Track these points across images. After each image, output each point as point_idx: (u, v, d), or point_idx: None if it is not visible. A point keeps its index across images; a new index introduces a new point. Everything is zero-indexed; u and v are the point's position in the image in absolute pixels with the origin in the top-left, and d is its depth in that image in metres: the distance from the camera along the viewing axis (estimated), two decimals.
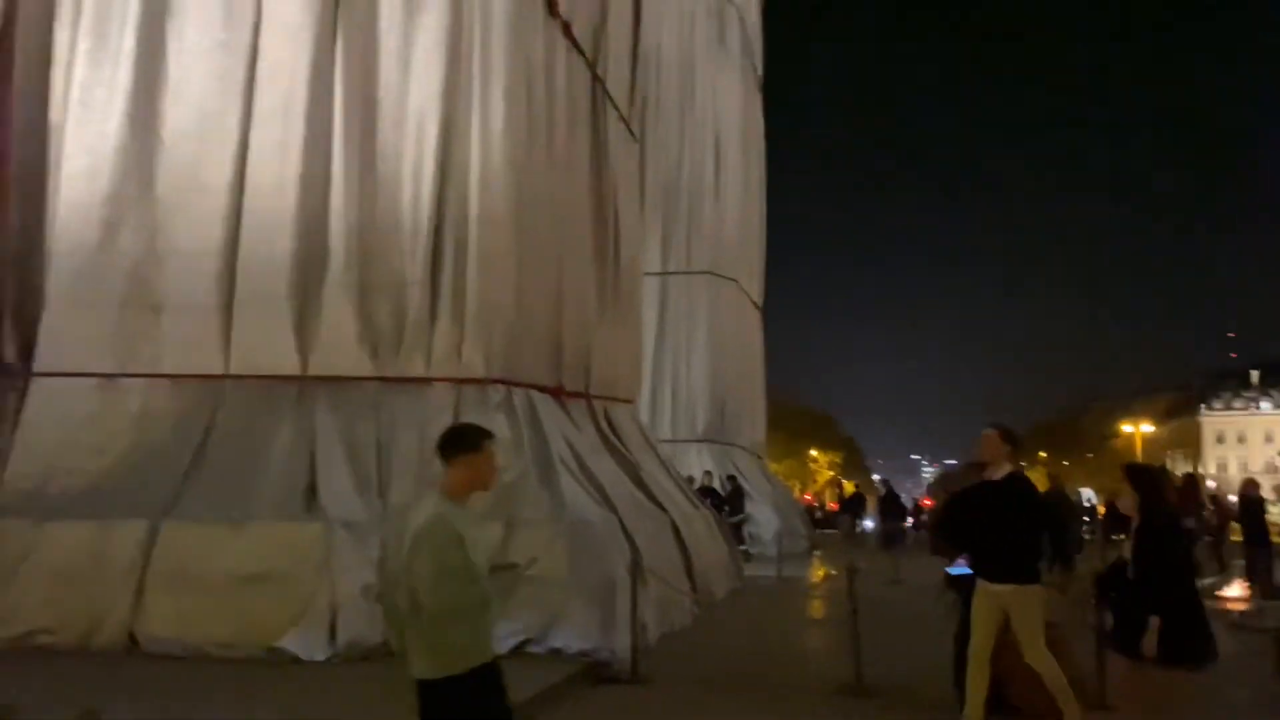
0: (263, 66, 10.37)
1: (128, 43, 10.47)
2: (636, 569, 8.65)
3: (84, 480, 9.29)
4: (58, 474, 9.33)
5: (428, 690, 3.57)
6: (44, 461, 9.42)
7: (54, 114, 10.48)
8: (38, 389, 9.82)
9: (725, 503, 19.07)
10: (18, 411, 9.79)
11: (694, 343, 24.47)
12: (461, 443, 3.81)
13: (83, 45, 10.52)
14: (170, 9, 10.48)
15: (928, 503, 44.73)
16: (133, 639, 8.37)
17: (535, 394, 10.82)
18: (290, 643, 8.09)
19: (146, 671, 7.76)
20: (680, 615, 10.81)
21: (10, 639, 8.56)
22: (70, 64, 10.54)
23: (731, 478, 21.16)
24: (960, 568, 6.85)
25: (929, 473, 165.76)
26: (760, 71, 30.11)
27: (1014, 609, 6.21)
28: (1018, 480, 6.45)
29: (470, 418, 9.84)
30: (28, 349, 9.99)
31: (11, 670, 7.53)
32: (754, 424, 27.05)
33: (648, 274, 20.32)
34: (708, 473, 20.80)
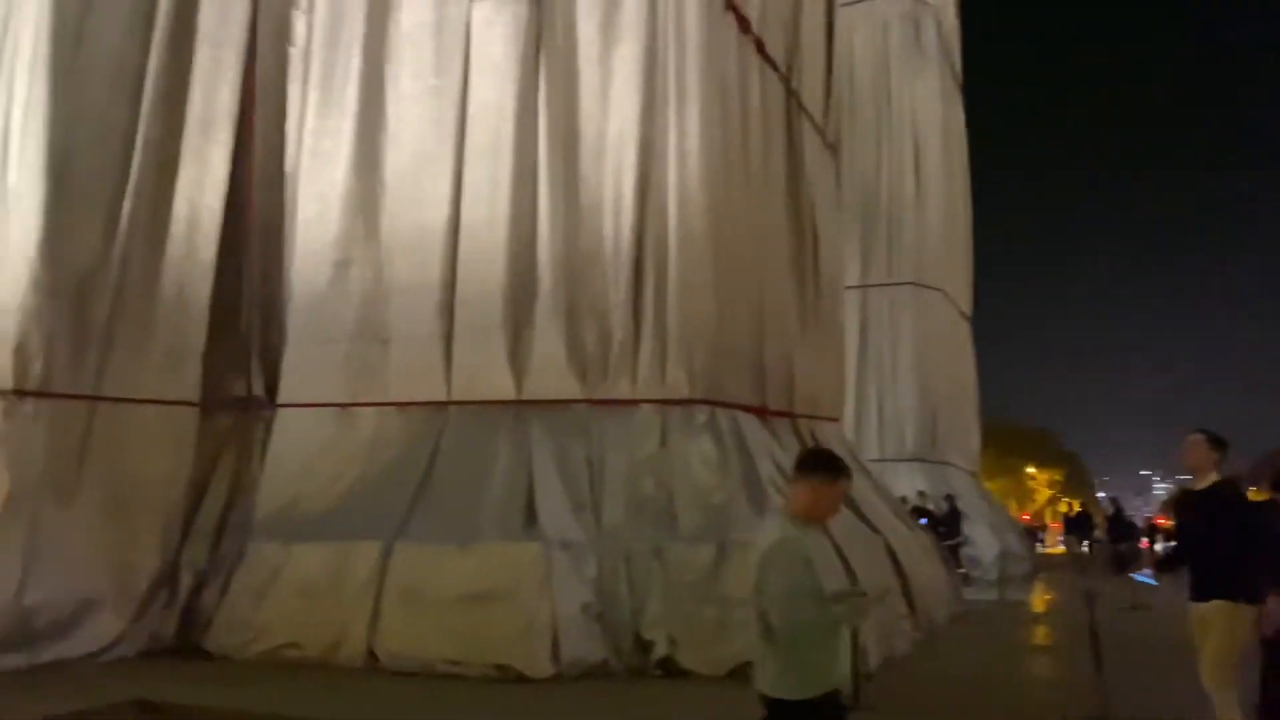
0: (473, 107, 10.88)
1: (350, 94, 11.26)
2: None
3: (324, 503, 9.97)
4: (301, 498, 10.06)
5: (780, 709, 3.56)
6: (289, 486, 10.18)
7: (288, 165, 11.40)
8: (282, 419, 10.65)
9: (941, 524, 18.28)
10: (265, 441, 10.64)
11: (899, 357, 23.70)
12: (817, 468, 3.80)
13: (312, 99, 11.40)
14: (387, 59, 11.18)
15: (1161, 521, 41.37)
16: (372, 654, 8.87)
17: (740, 414, 10.74)
18: (516, 660, 8.34)
19: (390, 687, 8.19)
20: (901, 640, 10.41)
21: (263, 652, 9.29)
22: (301, 117, 11.43)
23: (949, 497, 20.28)
24: None
25: (1161, 490, 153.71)
26: (959, 72, 29.02)
27: (1213, 628, 5.62)
28: (1225, 488, 5.85)
29: (676, 439, 9.90)
30: (272, 383, 10.86)
31: (270, 682, 8.14)
32: (967, 440, 25.90)
33: (848, 287, 19.86)
34: (921, 493, 20.03)
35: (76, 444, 9.77)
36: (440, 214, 10.85)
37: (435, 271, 10.76)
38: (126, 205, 10.29)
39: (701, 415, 10.13)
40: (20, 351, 9.44)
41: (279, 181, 11.37)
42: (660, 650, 8.54)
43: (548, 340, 10.38)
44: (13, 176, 9.78)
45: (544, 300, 10.51)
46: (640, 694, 7.93)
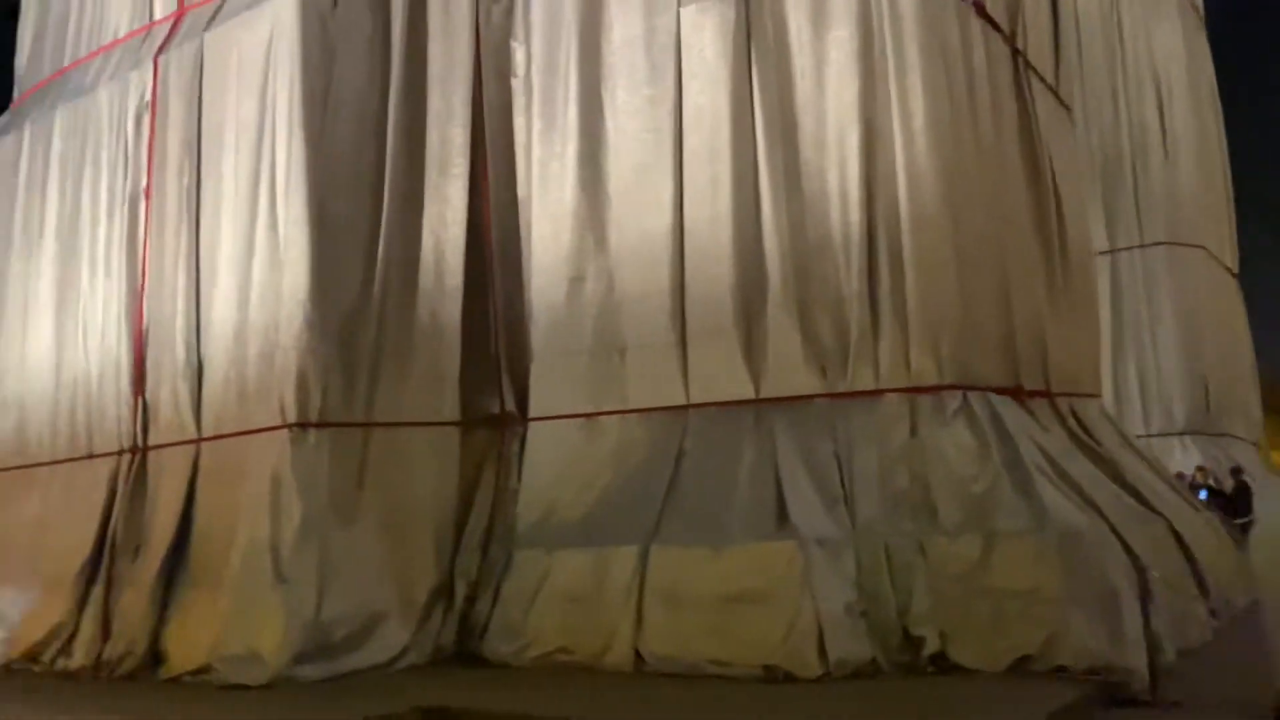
0: (688, 111, 10.94)
1: (571, 115, 11.60)
2: (1142, 578, 7.74)
3: (580, 511, 10.29)
4: (559, 506, 10.43)
5: None
6: (546, 495, 10.59)
7: (520, 191, 11.89)
8: (534, 432, 11.09)
9: (1229, 501, 16.61)
10: (520, 454, 11.12)
11: (1158, 322, 21.84)
12: None
13: (536, 126, 11.85)
14: (603, 76, 11.45)
15: None
16: (639, 657, 9.05)
17: (994, 396, 10.18)
18: (783, 660, 8.26)
19: (659, 690, 8.33)
20: (1196, 629, 9.53)
21: (537, 657, 9.69)
22: (528, 145, 11.90)
23: (1235, 470, 18.40)
24: None
25: None
26: (1202, 8, 26.46)
27: None
28: None
29: (928, 428, 9.51)
30: (522, 398, 11.33)
31: (545, 686, 8.47)
32: (1247, 408, 23.49)
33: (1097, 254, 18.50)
34: (1200, 469, 18.30)
35: (355, 468, 10.57)
36: (664, 220, 10.97)
37: (664, 278, 10.88)
38: (381, 244, 11.05)
39: (953, 401, 9.67)
40: (300, 386, 10.32)
41: (512, 208, 11.87)
42: (931, 646, 8.22)
43: (782, 336, 10.25)
44: (281, 230, 10.74)
45: (775, 296, 10.39)
46: (915, 692, 7.66)
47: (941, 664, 8.18)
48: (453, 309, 11.40)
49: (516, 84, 12.09)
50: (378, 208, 11.13)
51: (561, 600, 9.70)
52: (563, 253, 11.40)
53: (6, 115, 15.73)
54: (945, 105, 10.47)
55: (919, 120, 10.17)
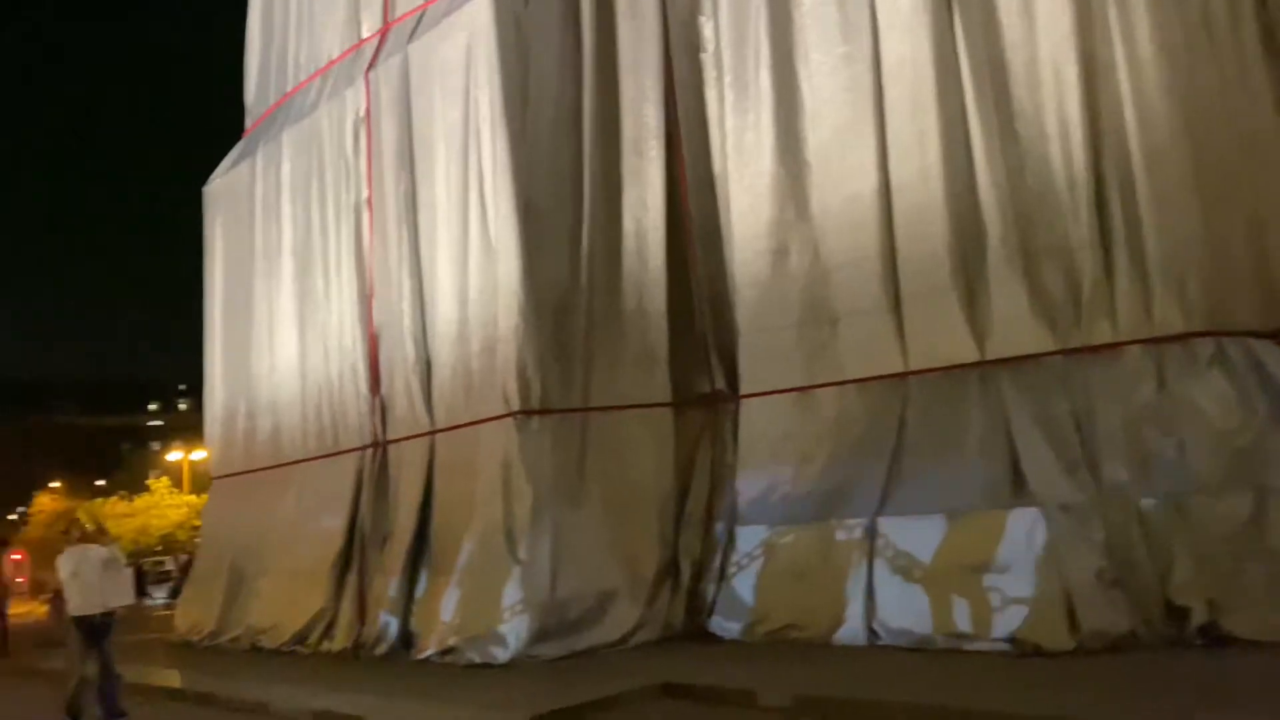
0: (887, 64, 10.47)
1: (764, 83, 11.36)
2: None
3: (800, 486, 10.12)
4: (778, 483, 10.30)
5: None
6: (764, 472, 10.48)
7: (715, 167, 11.77)
8: (746, 409, 10.99)
9: None
10: (734, 432, 11.06)
11: None
12: None
13: (729, 98, 11.67)
14: (794, 39, 11.13)
15: None
16: (872, 631, 8.82)
17: (1253, 342, 9.20)
18: (1028, 633, 7.82)
19: (894, 663, 8.08)
20: None
21: (767, 634, 9.64)
22: (721, 118, 11.75)
23: None
24: None
25: None
26: None
27: None
28: None
29: (1177, 380, 8.74)
30: (732, 375, 11.25)
31: (778, 662, 8.39)
32: None
33: None
34: None
35: (576, 451, 10.86)
36: (868, 182, 10.56)
37: (872, 241, 10.48)
38: (585, 232, 11.27)
39: (1205, 349, 8.82)
40: (521, 375, 10.69)
41: (709, 184, 11.78)
42: (1199, 617, 7.54)
43: (1007, 292, 9.65)
44: (493, 229, 11.13)
45: (995, 250, 9.79)
46: (1182, 667, 7.03)
47: (1212, 636, 7.50)
48: (657, 291, 11.47)
49: (706, 59, 11.97)
50: (579, 196, 11.35)
51: (787, 577, 9.60)
52: (763, 225, 11.20)
53: (239, 145, 17.12)
54: (1175, 27, 9.52)
55: (1146, 47, 9.30)
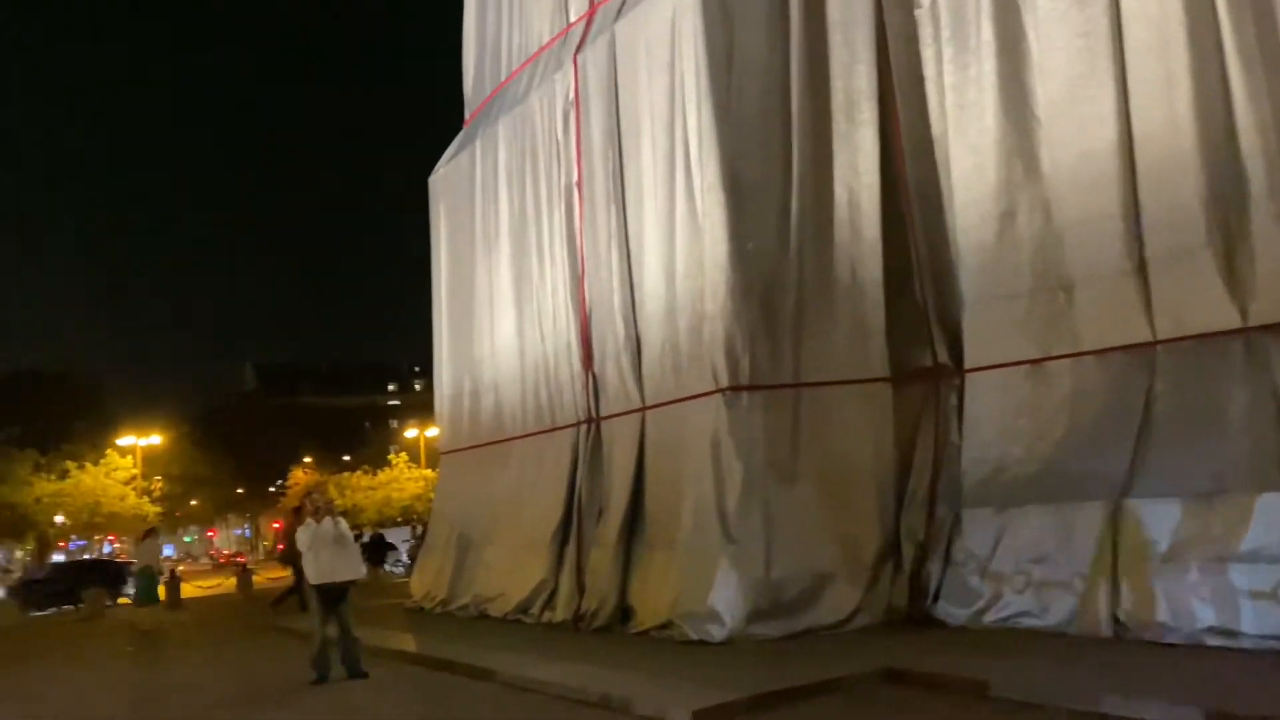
0: (1127, 4, 9.51)
1: (985, 35, 10.59)
2: None
3: (1033, 465, 9.44)
4: (1008, 461, 9.65)
5: None
6: (993, 450, 9.84)
7: (934, 128, 11.11)
8: (972, 384, 10.35)
9: None
10: (959, 408, 10.45)
11: None
12: None
13: (947, 54, 10.97)
14: None
15: None
16: (1117, 621, 8.11)
17: None
18: None
19: (1139, 656, 7.39)
20: None
21: (997, 620, 9.08)
22: (939, 76, 11.06)
23: None
24: None
25: None
26: None
27: None
28: None
29: None
30: (956, 348, 10.63)
31: (1009, 651, 7.87)
32: None
33: None
34: None
35: (788, 428, 10.60)
36: (1106, 134, 9.64)
37: (1112, 199, 9.57)
38: (794, 202, 10.95)
39: None
40: (729, 351, 10.54)
41: (927, 146, 11.14)
42: None
43: (1275, 251, 8.57)
44: (699, 200, 11.01)
45: (1260, 203, 8.69)
46: None
47: None
48: (872, 261, 10.99)
49: (921, 14, 11.29)
50: (787, 165, 11.02)
51: (1021, 561, 8.98)
52: (989, 187, 10.47)
53: (460, 135, 17.86)
54: None
55: None
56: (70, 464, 50.54)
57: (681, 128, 11.26)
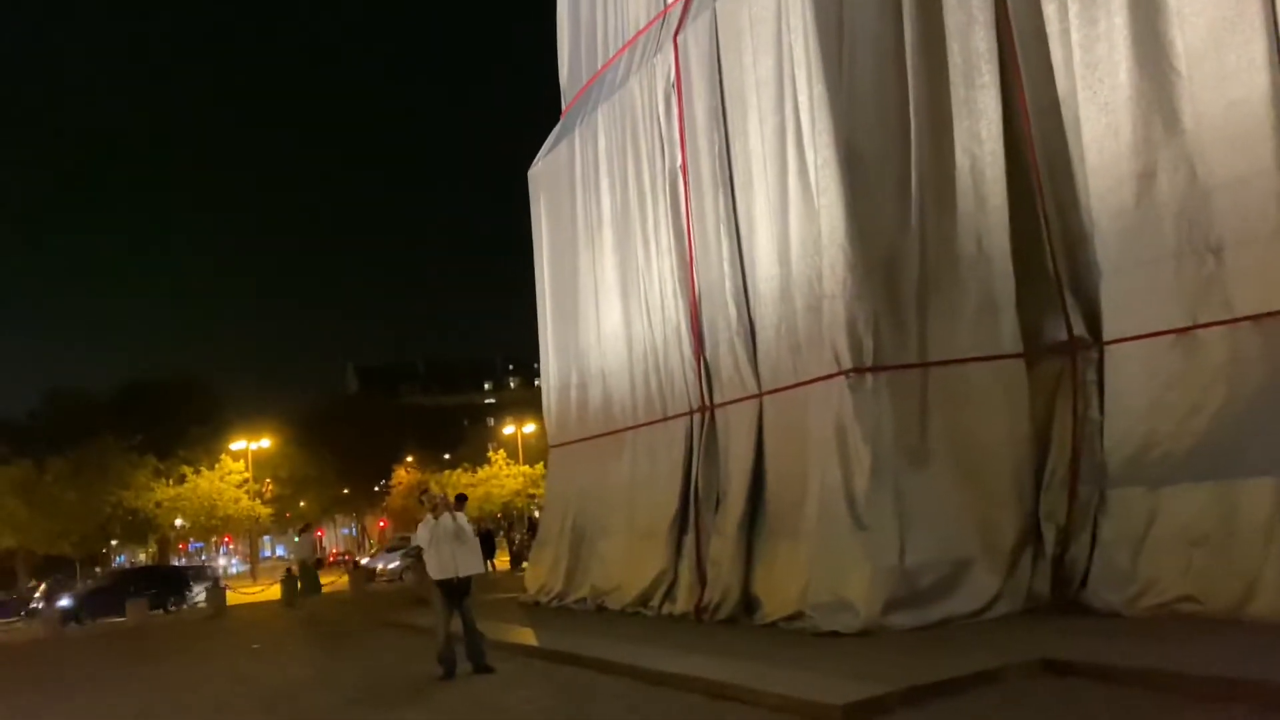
0: None
1: None
2: None
3: (1186, 441, 8.83)
4: (1157, 437, 9.06)
5: None
6: (1139, 426, 9.26)
7: (1060, 88, 10.50)
8: (1113, 356, 9.76)
9: None
10: (1099, 382, 9.87)
11: None
12: None
13: (1072, 10, 10.36)
14: None
15: None
16: None
17: None
18: None
19: None
20: None
21: (1153, 606, 8.51)
22: (1064, 34, 10.45)
23: None
24: None
25: None
26: None
27: None
28: None
29: None
30: (1093, 319, 10.04)
31: (1171, 639, 7.34)
32: None
33: None
34: None
35: (916, 410, 10.17)
36: (1257, 83, 8.96)
37: (1264, 153, 8.89)
38: (913, 173, 10.49)
39: None
40: (851, 332, 10.15)
41: (1053, 107, 10.55)
42: None
43: None
44: (813, 176, 10.63)
45: None
46: None
47: None
48: (999, 231, 10.45)
49: None
50: (905, 136, 10.56)
51: (1179, 543, 8.41)
52: (1124, 147, 9.85)
53: (557, 127, 17.77)
54: None
55: None
56: (187, 469, 52.54)
57: (792, 103, 10.89)
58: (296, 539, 28.62)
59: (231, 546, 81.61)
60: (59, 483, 49.34)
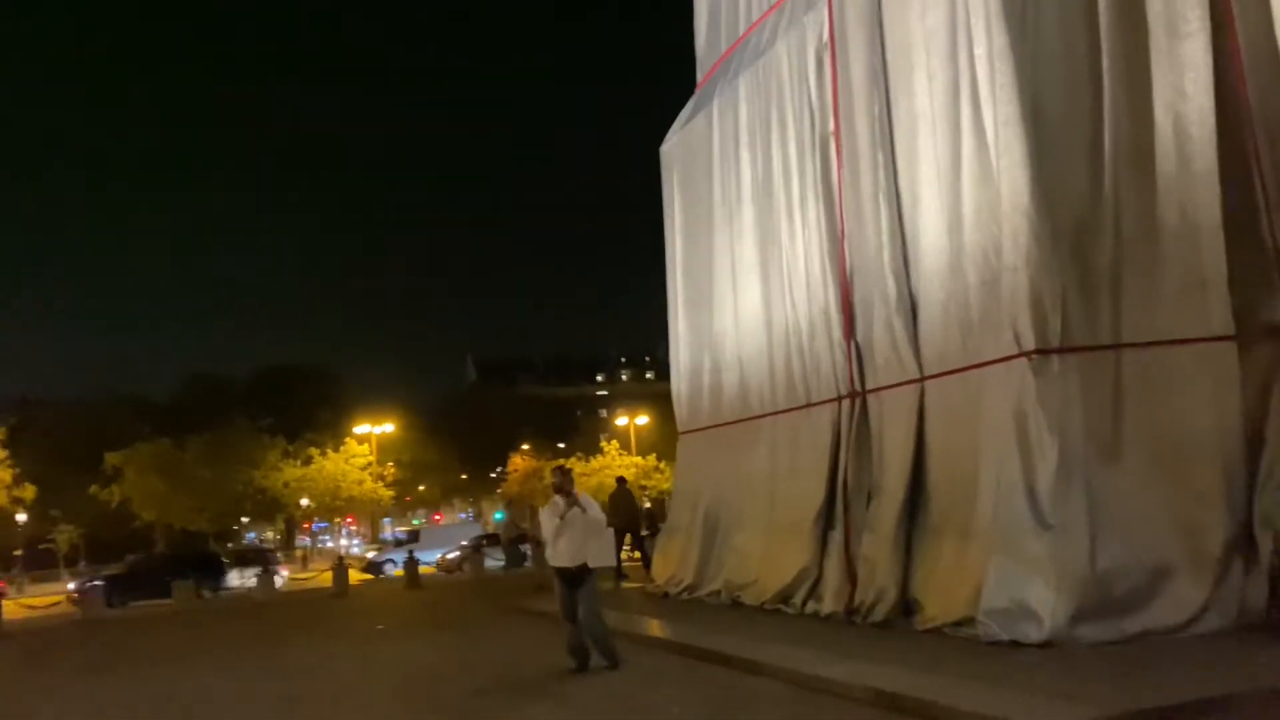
0: None
1: None
2: None
3: None
4: None
5: None
6: None
7: None
8: None
9: None
10: None
11: None
12: None
13: None
14: None
15: None
16: None
17: None
18: None
19: None
20: None
21: None
22: None
23: None
24: None
25: None
26: None
27: None
28: None
29: None
30: None
31: None
32: None
33: None
34: None
35: (1109, 397, 9.04)
36: None
37: None
38: (1106, 133, 9.34)
39: None
40: (1036, 309, 9.08)
41: (1273, 59, 9.28)
42: None
43: None
44: (992, 141, 9.58)
45: None
46: None
47: None
48: (1207, 199, 9.19)
49: None
50: (1096, 91, 9.40)
51: None
52: None
53: (691, 100, 17.01)
54: None
55: None
56: (314, 450, 54.02)
57: (966, 56, 9.86)
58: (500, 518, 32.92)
59: (354, 527, 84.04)
60: (196, 462, 51.40)
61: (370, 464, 55.81)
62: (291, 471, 53.64)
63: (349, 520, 73.01)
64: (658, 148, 17.14)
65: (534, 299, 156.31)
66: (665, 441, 75.52)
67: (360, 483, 54.41)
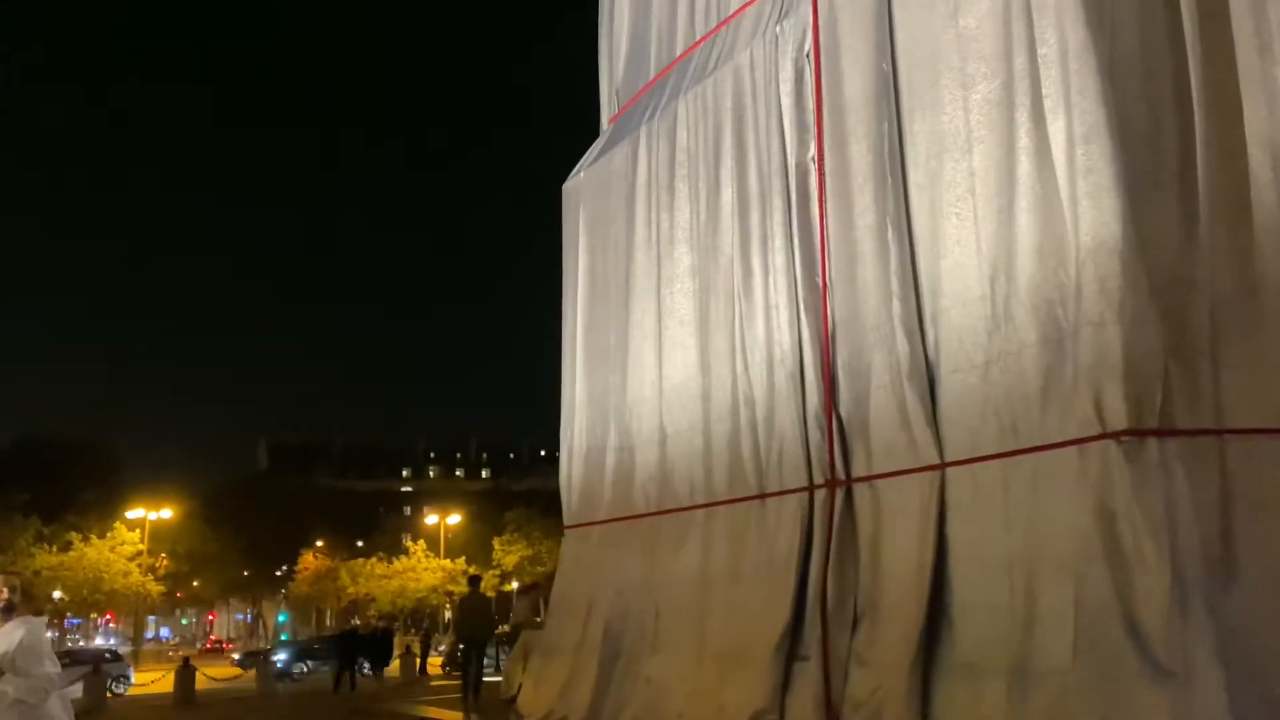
0: None
1: None
2: None
3: None
4: None
5: None
6: None
7: None
8: None
9: None
10: None
11: None
12: None
13: None
14: None
15: None
16: None
17: None
18: None
19: None
20: None
21: None
22: None
23: None
24: None
25: None
26: None
27: None
28: None
29: None
30: None
31: None
32: None
33: None
34: None
35: (1216, 497, 6.90)
36: None
37: None
38: (1199, 170, 7.45)
39: None
40: (1131, 376, 6.92)
41: None
42: None
43: None
44: (1060, 153, 7.54)
45: None
46: None
47: None
48: None
49: None
50: (1185, 120, 7.54)
51: None
52: None
53: (604, 135, 14.61)
54: None
55: None
56: (74, 535, 46.80)
57: (1026, 56, 7.84)
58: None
59: (113, 625, 74.11)
60: None
61: (140, 553, 48.85)
62: (45, 559, 46.03)
63: (109, 617, 64.12)
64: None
65: (338, 383, 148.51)
66: (475, 543, 71.10)
67: (126, 574, 47.36)
